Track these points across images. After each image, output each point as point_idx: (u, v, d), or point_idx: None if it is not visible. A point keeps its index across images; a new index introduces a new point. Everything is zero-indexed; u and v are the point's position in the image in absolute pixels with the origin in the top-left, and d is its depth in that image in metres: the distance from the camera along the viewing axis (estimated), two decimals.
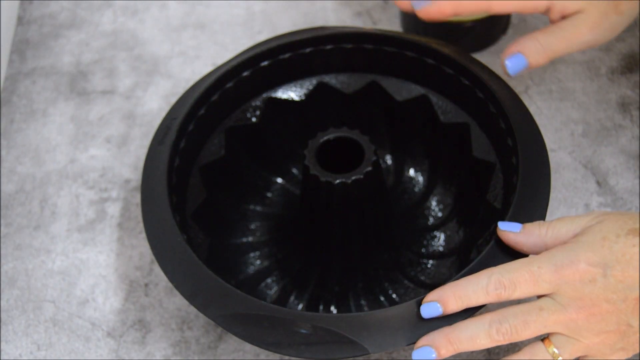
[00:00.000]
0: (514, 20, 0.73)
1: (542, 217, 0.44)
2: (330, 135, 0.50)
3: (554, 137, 0.63)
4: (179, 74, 0.72)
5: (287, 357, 0.52)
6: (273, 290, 0.55)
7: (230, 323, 0.42)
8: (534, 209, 0.45)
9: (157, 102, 0.69)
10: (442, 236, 0.57)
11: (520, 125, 0.48)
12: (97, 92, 0.71)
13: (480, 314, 0.41)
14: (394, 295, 0.54)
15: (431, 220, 0.58)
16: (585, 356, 0.40)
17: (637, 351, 0.40)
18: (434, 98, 0.56)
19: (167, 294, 0.56)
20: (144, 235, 0.47)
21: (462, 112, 0.55)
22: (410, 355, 0.52)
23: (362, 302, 0.54)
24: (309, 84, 0.58)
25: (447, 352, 0.40)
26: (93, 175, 0.64)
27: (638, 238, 0.39)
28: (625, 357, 0.41)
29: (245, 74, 0.55)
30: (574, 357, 0.40)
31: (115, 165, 0.65)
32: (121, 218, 0.61)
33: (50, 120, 0.69)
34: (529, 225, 0.43)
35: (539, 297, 0.40)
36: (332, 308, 0.54)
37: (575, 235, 0.41)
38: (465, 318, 0.40)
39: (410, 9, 0.53)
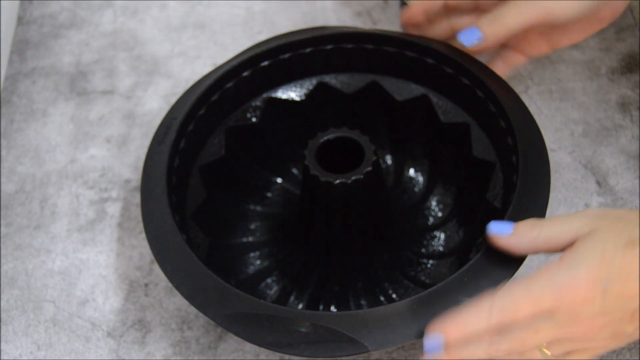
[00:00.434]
0: None
1: (542, 216, 0.45)
2: (330, 135, 0.50)
3: (554, 137, 0.63)
4: (179, 74, 0.72)
5: (287, 357, 0.52)
6: (273, 290, 0.55)
7: (229, 322, 0.42)
8: (533, 208, 0.45)
9: (157, 102, 0.69)
10: (442, 236, 0.57)
11: (520, 124, 0.48)
12: (97, 92, 0.71)
13: None
14: (394, 295, 0.54)
15: (431, 220, 0.58)
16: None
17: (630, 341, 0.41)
18: (434, 98, 0.56)
19: (167, 294, 0.56)
20: (144, 235, 0.47)
21: (462, 111, 0.55)
22: (411, 355, 0.52)
23: (362, 302, 0.54)
24: (309, 84, 0.58)
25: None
26: (93, 175, 0.64)
27: (637, 249, 0.38)
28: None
29: (245, 74, 0.55)
30: (565, 357, 0.40)
31: (115, 165, 0.65)
32: (121, 218, 0.61)
33: (50, 120, 0.69)
34: (520, 228, 0.42)
35: None
36: (332, 308, 0.54)
37: (572, 244, 0.40)
38: None
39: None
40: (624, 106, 0.65)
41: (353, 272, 0.55)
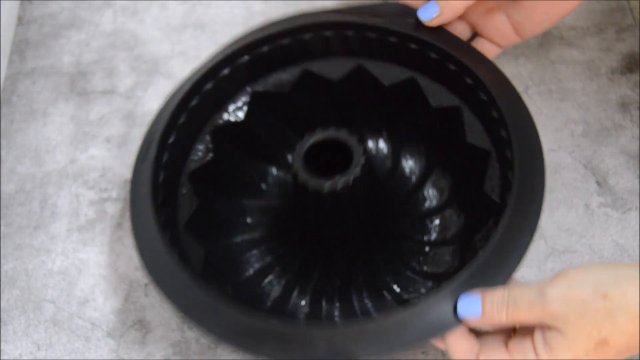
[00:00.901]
0: None
1: (539, 212, 0.45)
2: (317, 137, 0.49)
3: (554, 137, 0.63)
4: (179, 74, 0.72)
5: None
6: (275, 287, 0.55)
7: (231, 341, 0.42)
8: (532, 207, 0.45)
9: (157, 102, 0.69)
10: (442, 222, 0.56)
11: (512, 114, 0.48)
12: (97, 92, 0.71)
13: None
14: (394, 286, 0.54)
15: (430, 205, 0.57)
16: None
17: None
18: (423, 82, 0.54)
19: None
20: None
21: (452, 95, 0.53)
22: (411, 356, 0.52)
23: (364, 295, 0.54)
24: (291, 74, 0.57)
25: None
26: (93, 175, 0.64)
27: (608, 349, 0.38)
28: None
29: (224, 72, 0.54)
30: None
31: (115, 165, 0.65)
32: (121, 218, 0.61)
33: (50, 120, 0.69)
34: (487, 310, 0.41)
35: None
36: (335, 303, 0.54)
37: (541, 336, 0.40)
38: None
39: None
40: (624, 106, 0.65)
41: (354, 266, 0.55)
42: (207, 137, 0.55)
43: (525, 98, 0.66)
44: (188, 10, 0.78)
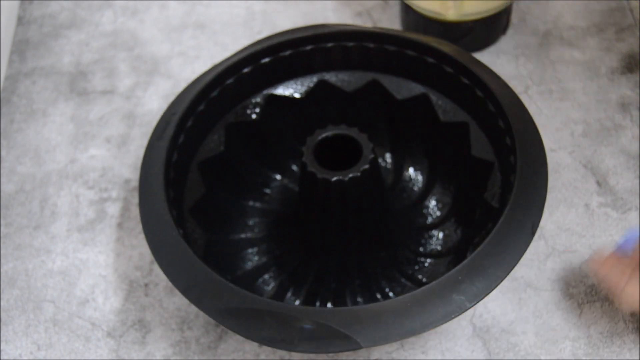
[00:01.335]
0: (513, 20, 0.73)
1: (539, 217, 0.44)
2: (328, 133, 0.50)
3: (554, 137, 0.63)
4: (179, 74, 0.72)
5: (286, 356, 0.52)
6: (270, 286, 0.55)
7: (224, 317, 0.42)
8: (530, 208, 0.45)
9: (157, 102, 0.69)
10: (440, 235, 0.57)
11: (518, 124, 0.48)
12: (97, 92, 0.71)
13: None
14: (390, 293, 0.54)
15: (430, 219, 0.58)
16: None
17: None
18: (434, 97, 0.56)
19: (167, 294, 0.56)
20: (143, 235, 0.47)
21: (461, 111, 0.55)
22: (411, 355, 0.52)
23: (359, 299, 0.54)
24: (309, 82, 0.58)
25: None
26: (93, 175, 0.64)
27: None
28: None
29: (245, 70, 0.55)
30: None
31: (115, 165, 0.65)
32: (121, 218, 0.61)
33: (50, 120, 0.69)
34: None
35: None
36: (329, 305, 0.54)
37: None
38: None
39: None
40: (624, 106, 0.65)
41: (350, 270, 0.55)
42: (222, 130, 0.56)
43: (525, 98, 0.66)
44: (188, 10, 0.78)
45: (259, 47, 0.55)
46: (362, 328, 0.40)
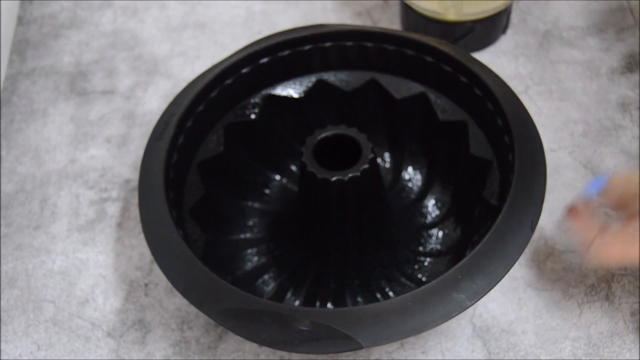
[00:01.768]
0: (513, 20, 0.73)
1: (538, 214, 0.44)
2: (327, 133, 0.50)
3: (554, 137, 0.63)
4: (179, 74, 0.72)
5: (286, 356, 0.52)
6: (270, 287, 0.55)
7: (224, 318, 0.42)
8: (529, 206, 0.45)
9: (157, 102, 0.69)
10: (440, 234, 0.57)
11: (517, 122, 0.48)
12: (97, 92, 0.71)
13: None
14: (390, 293, 0.54)
15: (429, 218, 0.58)
16: None
17: None
18: (433, 96, 0.56)
19: (167, 294, 0.56)
20: (143, 235, 0.47)
21: (460, 110, 0.55)
22: (411, 355, 0.52)
23: (359, 299, 0.54)
24: (308, 82, 0.58)
25: None
26: (93, 175, 0.64)
27: None
28: None
29: (244, 70, 0.55)
30: None
31: (115, 165, 0.65)
32: (121, 218, 0.61)
33: (50, 120, 0.69)
34: (613, 181, 0.45)
35: None
36: (329, 305, 0.54)
37: None
38: None
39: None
40: (624, 106, 0.65)
41: (350, 270, 0.55)
42: (221, 131, 0.56)
43: (525, 98, 0.66)
44: (188, 10, 0.78)
45: (257, 47, 0.55)
46: (362, 328, 0.40)
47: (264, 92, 0.58)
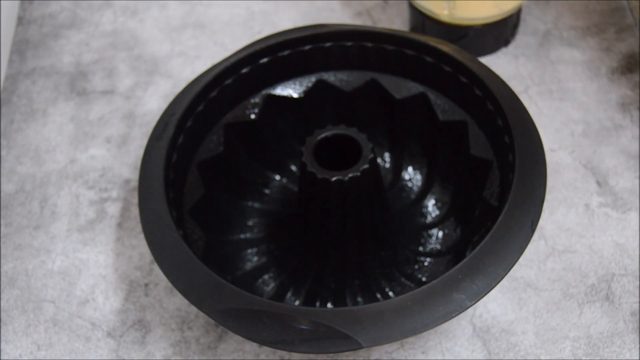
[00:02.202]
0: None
1: (538, 214, 0.44)
2: (327, 133, 0.50)
3: (554, 137, 0.63)
4: (179, 74, 0.72)
5: (286, 356, 0.52)
6: (270, 287, 0.55)
7: (224, 318, 0.42)
8: (530, 206, 0.45)
9: (157, 102, 0.69)
10: (440, 234, 0.57)
11: (517, 122, 0.48)
12: (97, 92, 0.71)
13: None
14: (390, 293, 0.54)
15: (429, 218, 0.58)
16: None
17: None
18: (433, 96, 0.56)
19: (167, 294, 0.56)
20: (143, 235, 0.47)
21: (460, 110, 0.55)
22: (411, 355, 0.52)
23: (359, 299, 0.54)
24: (308, 82, 0.58)
25: None
26: (93, 175, 0.64)
27: None
28: None
29: (244, 70, 0.55)
30: None
31: (115, 165, 0.65)
32: (121, 218, 0.61)
33: (50, 120, 0.69)
34: None
35: None
36: (329, 305, 0.54)
37: None
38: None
39: None
40: (624, 106, 0.65)
41: (350, 270, 0.55)
42: (220, 131, 0.56)
43: (525, 98, 0.66)
44: (188, 10, 0.78)
45: (257, 47, 0.55)
46: (362, 328, 0.40)
47: (264, 92, 0.58)
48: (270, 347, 0.41)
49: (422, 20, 0.69)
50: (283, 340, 0.40)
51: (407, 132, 0.59)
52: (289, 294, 0.55)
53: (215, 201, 0.56)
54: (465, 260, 0.42)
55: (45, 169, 0.65)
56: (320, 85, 0.58)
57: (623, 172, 0.61)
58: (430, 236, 0.57)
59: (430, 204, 0.59)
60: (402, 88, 0.57)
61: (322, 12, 0.76)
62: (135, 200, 0.62)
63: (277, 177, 0.61)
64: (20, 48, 0.75)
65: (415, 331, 0.40)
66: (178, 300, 0.56)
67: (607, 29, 0.72)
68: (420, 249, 0.57)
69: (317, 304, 0.55)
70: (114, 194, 0.63)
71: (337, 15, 0.76)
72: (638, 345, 0.51)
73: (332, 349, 0.40)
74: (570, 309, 0.53)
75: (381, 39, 0.55)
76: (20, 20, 0.78)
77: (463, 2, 0.65)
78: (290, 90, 0.58)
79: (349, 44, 0.56)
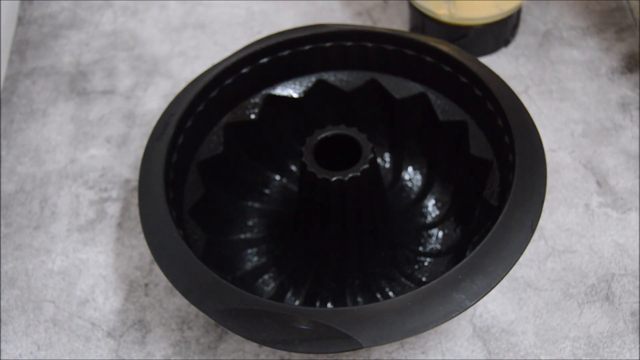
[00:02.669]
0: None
1: (538, 214, 0.44)
2: (327, 133, 0.51)
3: (554, 137, 0.63)
4: (179, 74, 0.72)
5: (286, 356, 0.52)
6: (270, 287, 0.55)
7: (224, 318, 0.42)
8: (530, 206, 0.45)
9: (157, 102, 0.69)
10: (440, 234, 0.57)
11: (517, 122, 0.48)
12: (97, 92, 0.71)
13: None
14: (390, 293, 0.54)
15: (429, 218, 0.58)
16: None
17: None
18: (433, 96, 0.56)
19: (167, 294, 0.56)
20: (143, 235, 0.47)
21: (460, 110, 0.55)
22: (411, 355, 0.52)
23: (359, 299, 0.54)
24: (308, 82, 0.58)
25: None
26: (93, 175, 0.64)
27: None
28: None
29: (244, 70, 0.55)
30: None
31: (115, 165, 0.65)
32: (121, 218, 0.61)
33: (50, 120, 0.69)
34: None
35: None
36: (329, 305, 0.54)
37: None
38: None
39: None
40: (624, 106, 0.65)
41: (350, 270, 0.55)
42: (220, 131, 0.56)
43: (525, 98, 0.66)
44: (188, 10, 0.78)
45: (257, 47, 0.55)
46: (362, 328, 0.40)
47: (264, 92, 0.58)
48: (270, 347, 0.41)
49: (422, 20, 0.69)
50: (283, 340, 0.40)
51: (407, 132, 0.59)
52: (289, 294, 0.55)
53: (215, 201, 0.56)
54: (465, 260, 0.42)
55: (45, 169, 0.65)
56: (320, 85, 0.58)
57: (623, 172, 0.61)
58: (430, 236, 0.57)
59: (430, 204, 0.59)
60: (402, 88, 0.57)
61: (322, 12, 0.76)
62: (135, 200, 0.62)
63: (277, 177, 0.61)
64: (20, 48, 0.75)
65: (415, 331, 0.40)
66: (178, 300, 0.56)
67: (607, 29, 0.72)
68: (420, 249, 0.57)
69: (317, 304, 0.55)
70: (114, 194, 0.63)
71: (337, 15, 0.76)
72: (638, 345, 0.51)
73: (332, 349, 0.40)
74: (570, 309, 0.53)
75: (381, 39, 0.55)
76: (20, 20, 0.78)
77: (463, 2, 0.65)
78: (290, 90, 0.58)
79: (349, 44, 0.56)
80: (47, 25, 0.78)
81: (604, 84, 0.67)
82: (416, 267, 0.56)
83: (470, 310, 0.54)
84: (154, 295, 0.56)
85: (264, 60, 0.56)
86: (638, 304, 0.53)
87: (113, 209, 0.62)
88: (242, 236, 0.58)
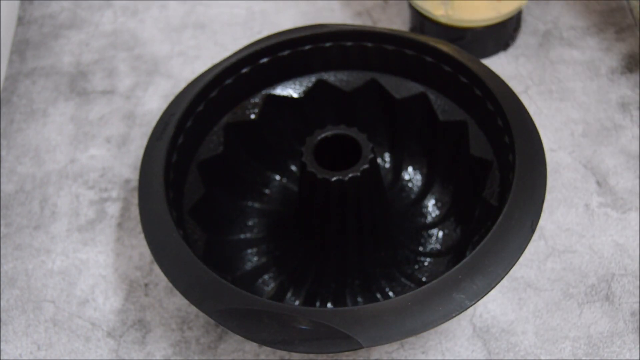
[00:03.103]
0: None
1: (538, 214, 0.44)
2: (327, 133, 0.51)
3: (554, 137, 0.63)
4: (179, 74, 0.72)
5: (286, 356, 0.52)
6: (270, 287, 0.55)
7: (224, 318, 0.42)
8: (530, 206, 0.45)
9: (157, 102, 0.69)
10: (440, 234, 0.57)
11: (517, 122, 0.48)
12: (97, 92, 0.71)
13: None
14: (390, 293, 0.54)
15: (429, 218, 0.58)
16: None
17: None
18: (433, 96, 0.56)
19: (167, 294, 0.56)
20: (143, 235, 0.47)
21: (460, 110, 0.55)
22: (411, 355, 0.52)
23: (359, 299, 0.54)
24: (308, 82, 0.58)
25: None
26: (93, 175, 0.64)
27: None
28: None
29: (244, 70, 0.55)
30: None
31: (115, 165, 0.65)
32: (121, 218, 0.61)
33: (50, 120, 0.69)
34: None
35: None
36: (329, 305, 0.54)
37: None
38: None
39: None
40: (624, 106, 0.65)
41: (350, 270, 0.55)
42: (220, 131, 0.56)
43: (525, 98, 0.66)
44: (188, 10, 0.78)
45: (257, 47, 0.55)
46: (362, 328, 0.40)
47: (264, 92, 0.58)
48: (270, 347, 0.41)
49: (420, 21, 0.69)
50: (283, 340, 0.40)
51: (407, 132, 0.59)
52: (289, 294, 0.55)
53: (215, 201, 0.56)
54: (465, 260, 0.42)
55: (45, 169, 0.65)
56: (320, 85, 0.58)
57: (623, 172, 0.61)
58: (430, 236, 0.57)
59: (430, 204, 0.59)
60: (402, 88, 0.57)
61: (322, 12, 0.76)
62: (135, 200, 0.62)
63: (277, 177, 0.61)
64: (20, 48, 0.75)
65: (415, 331, 0.40)
66: (178, 300, 0.56)
67: (607, 29, 0.72)
68: (420, 249, 0.57)
69: (317, 304, 0.55)
70: (114, 194, 0.63)
71: (337, 15, 0.76)
72: (638, 345, 0.51)
73: (332, 349, 0.40)
74: (570, 309, 0.53)
75: (381, 39, 0.55)
76: (20, 20, 0.78)
77: (460, 3, 0.65)
78: (290, 90, 0.58)
79: (349, 44, 0.56)
80: (47, 25, 0.78)
81: (604, 84, 0.67)
82: (416, 267, 0.56)
83: (470, 310, 0.54)
84: (154, 295, 0.56)
85: (264, 60, 0.56)
86: (638, 304, 0.53)
87: (113, 209, 0.62)
88: (242, 236, 0.58)
